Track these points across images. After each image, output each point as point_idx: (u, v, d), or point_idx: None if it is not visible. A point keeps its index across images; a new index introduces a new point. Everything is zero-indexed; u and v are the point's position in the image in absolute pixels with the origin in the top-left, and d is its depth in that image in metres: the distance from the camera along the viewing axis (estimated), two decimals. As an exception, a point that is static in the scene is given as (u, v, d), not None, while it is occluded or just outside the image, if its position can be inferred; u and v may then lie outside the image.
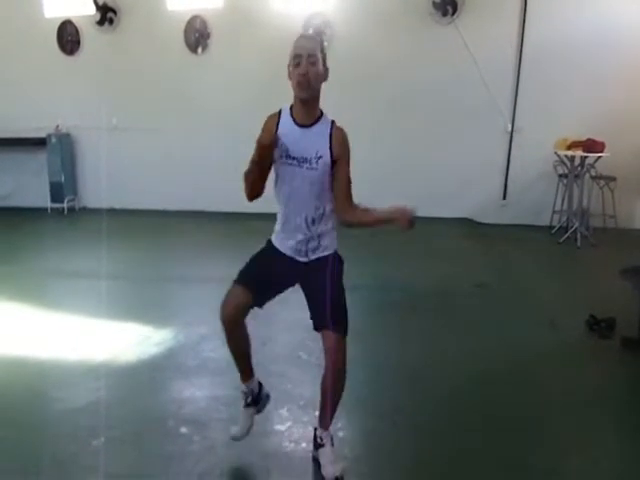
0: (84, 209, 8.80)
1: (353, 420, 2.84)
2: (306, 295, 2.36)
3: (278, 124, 2.28)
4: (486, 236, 7.05)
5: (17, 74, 8.54)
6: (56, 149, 8.36)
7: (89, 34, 8.39)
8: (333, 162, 2.25)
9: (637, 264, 4.04)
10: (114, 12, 8.23)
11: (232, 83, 7.78)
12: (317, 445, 2.43)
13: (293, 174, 2.25)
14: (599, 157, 6.46)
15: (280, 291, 2.43)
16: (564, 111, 7.11)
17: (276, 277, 2.37)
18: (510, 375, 3.41)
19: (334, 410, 2.38)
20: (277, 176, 2.33)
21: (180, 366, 3.46)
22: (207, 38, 8.03)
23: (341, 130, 2.30)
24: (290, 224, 2.34)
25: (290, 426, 2.77)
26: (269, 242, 2.45)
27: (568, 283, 5.28)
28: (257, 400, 2.58)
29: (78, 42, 8.46)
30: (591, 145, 6.40)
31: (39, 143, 8.39)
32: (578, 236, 6.46)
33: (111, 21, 8.27)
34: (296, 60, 2.19)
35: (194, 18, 8.00)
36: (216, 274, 5.32)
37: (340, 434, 2.69)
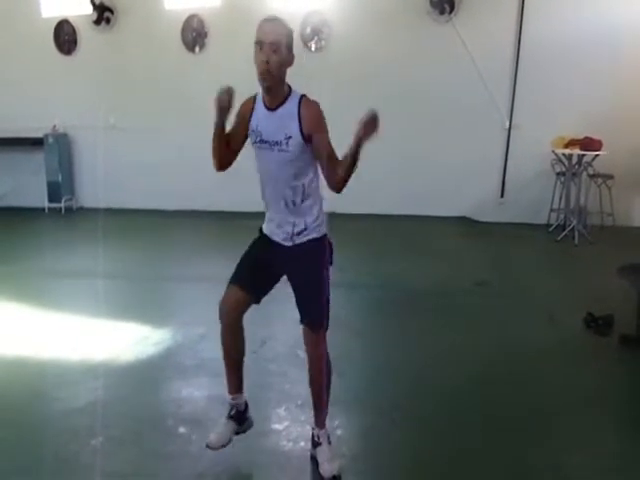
0: (81, 209, 8.79)
1: (351, 418, 2.84)
2: (292, 284, 2.36)
3: (253, 107, 2.28)
4: (484, 234, 7.06)
5: (14, 74, 8.52)
6: (53, 149, 8.35)
7: (86, 33, 8.38)
8: (307, 138, 2.17)
9: (635, 262, 4.05)
10: (111, 11, 8.21)
11: (229, 82, 7.71)
12: (314, 444, 2.44)
13: (267, 157, 2.24)
14: (596, 155, 6.46)
15: (274, 281, 2.41)
16: (562, 109, 7.12)
17: (267, 268, 2.36)
18: (509, 373, 3.41)
19: (324, 407, 2.39)
20: (256, 161, 2.33)
21: (179, 366, 3.46)
22: (204, 37, 8.03)
23: (310, 104, 2.20)
24: (272, 207, 2.34)
25: (288, 425, 2.77)
26: (260, 230, 2.44)
27: (566, 281, 5.29)
28: (241, 419, 2.51)
29: (75, 42, 8.45)
30: (588, 143, 6.40)
31: (36, 143, 8.38)
32: (576, 234, 6.47)
33: (108, 20, 8.25)
34: (257, 46, 2.14)
35: (191, 17, 7.99)
36: (214, 273, 5.32)
37: (338, 432, 2.70)
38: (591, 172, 6.84)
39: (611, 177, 6.89)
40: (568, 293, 4.87)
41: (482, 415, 2.91)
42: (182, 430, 2.73)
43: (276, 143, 2.19)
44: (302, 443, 2.60)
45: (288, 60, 2.18)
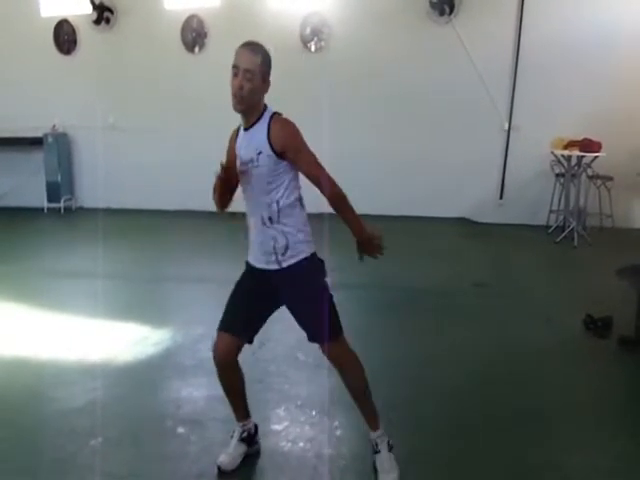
0: (81, 209, 8.79)
1: (350, 418, 2.83)
2: (289, 310, 2.32)
3: (237, 136, 2.30)
4: (483, 235, 7.06)
5: (13, 73, 8.53)
6: (53, 149, 8.35)
7: (86, 33, 8.39)
8: (280, 154, 2.15)
9: (634, 263, 4.05)
10: (111, 11, 8.22)
11: (229, 82, 7.75)
12: (374, 450, 2.39)
13: (244, 176, 2.23)
14: (596, 157, 6.47)
15: (267, 315, 2.39)
16: (561, 110, 7.13)
17: (256, 302, 2.33)
18: (508, 373, 3.41)
19: (370, 409, 2.38)
20: (240, 184, 2.32)
21: (178, 366, 3.46)
22: (204, 37, 8.03)
23: (280, 120, 2.19)
24: (252, 227, 2.30)
25: (287, 426, 2.77)
26: (246, 264, 2.39)
27: (565, 282, 5.29)
28: (251, 441, 2.52)
29: (75, 41, 8.46)
30: (588, 145, 6.41)
31: (36, 143, 8.38)
32: (575, 235, 6.47)
33: (108, 20, 8.26)
34: (234, 70, 2.13)
35: (191, 17, 8.00)
36: (213, 274, 5.35)
37: (338, 432, 2.71)
38: (590, 173, 6.85)
39: (610, 179, 6.90)
40: (567, 294, 4.87)
41: (481, 415, 2.91)
42: (181, 430, 2.72)
43: (250, 160, 2.19)
44: (301, 444, 2.60)
45: (262, 88, 2.17)
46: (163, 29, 8.07)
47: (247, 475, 2.49)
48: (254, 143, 2.18)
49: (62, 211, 8.47)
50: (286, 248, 2.22)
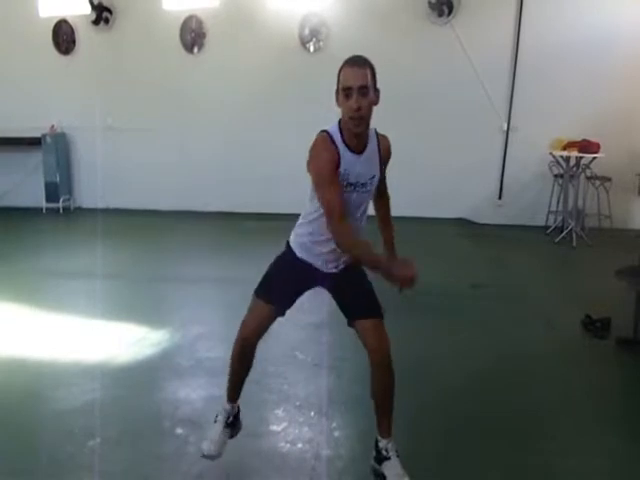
0: (79, 209, 8.78)
1: (349, 419, 2.84)
2: (339, 292, 2.30)
3: (338, 152, 2.07)
4: (482, 236, 7.07)
5: (12, 74, 8.52)
6: (51, 149, 8.34)
7: (84, 33, 8.38)
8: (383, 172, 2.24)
9: (632, 264, 4.06)
10: (109, 11, 8.21)
11: (228, 83, 7.76)
12: (381, 458, 2.29)
13: (347, 200, 2.11)
14: (594, 157, 6.48)
15: (300, 294, 2.36)
16: (560, 111, 7.14)
17: (297, 282, 2.30)
18: (506, 374, 3.41)
19: (392, 414, 2.29)
20: None
21: (176, 366, 3.45)
22: (203, 38, 8.03)
23: (385, 139, 2.28)
24: (329, 246, 2.19)
25: (286, 427, 2.76)
26: (290, 251, 2.32)
27: (564, 283, 5.30)
28: (234, 424, 2.50)
29: (74, 42, 8.45)
30: (586, 145, 6.42)
31: (34, 143, 8.37)
32: (573, 236, 6.48)
33: (107, 20, 8.25)
34: (346, 92, 2.02)
35: (190, 17, 7.99)
36: (212, 274, 5.34)
37: (336, 434, 2.70)
38: (589, 174, 6.85)
39: (609, 179, 6.91)
40: (566, 295, 4.88)
41: (479, 416, 2.91)
42: (179, 431, 2.72)
43: (361, 185, 2.14)
44: (300, 445, 2.60)
45: (376, 101, 2.10)
46: (162, 29, 8.06)
47: (245, 476, 2.48)
48: (370, 169, 2.16)
49: (61, 211, 8.46)
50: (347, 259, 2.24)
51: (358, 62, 2.09)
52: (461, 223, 7.63)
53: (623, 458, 2.57)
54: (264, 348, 3.60)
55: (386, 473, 2.27)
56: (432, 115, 7.49)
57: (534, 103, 7.23)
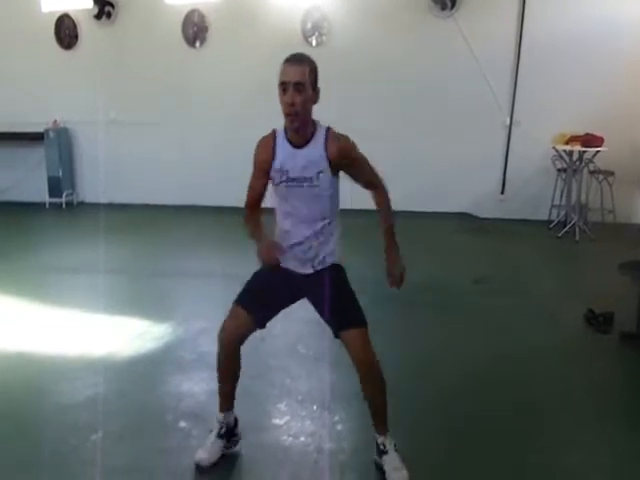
0: (82, 204, 8.79)
1: (351, 413, 2.84)
2: (317, 302, 2.33)
3: (275, 148, 2.22)
4: (484, 231, 7.05)
5: (14, 69, 8.50)
6: (54, 144, 8.33)
7: (87, 28, 8.36)
8: (338, 170, 2.23)
9: (635, 259, 4.05)
10: (112, 6, 8.19)
11: (230, 77, 7.76)
12: (380, 452, 2.36)
13: (294, 194, 2.22)
14: (597, 152, 6.45)
15: (282, 308, 2.39)
16: (563, 105, 7.10)
17: (278, 294, 2.33)
18: (508, 369, 3.41)
19: (385, 411, 2.35)
20: (276, 195, 2.30)
21: (179, 360, 3.47)
22: (205, 32, 8.00)
23: (336, 137, 2.22)
24: (291, 240, 2.29)
25: (288, 420, 2.77)
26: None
27: (567, 277, 5.29)
28: (230, 435, 2.49)
29: (76, 36, 8.42)
30: (589, 140, 6.40)
31: (37, 138, 8.36)
32: (577, 231, 6.46)
33: (109, 15, 8.23)
34: (282, 87, 2.10)
35: (192, 12, 7.96)
36: (215, 269, 5.35)
37: (338, 427, 2.71)
38: (592, 168, 6.83)
39: (612, 173, 6.88)
40: (569, 290, 4.87)
41: (480, 412, 2.91)
42: (182, 425, 2.73)
43: (305, 179, 2.19)
44: (302, 438, 2.61)
45: (313, 98, 2.16)
46: (164, 23, 8.04)
47: (248, 469, 2.50)
48: (313, 163, 2.18)
49: (63, 206, 8.46)
50: (322, 259, 2.32)
51: (297, 59, 2.13)
52: (463, 217, 7.61)
53: (627, 453, 2.57)
54: (267, 343, 3.63)
55: (385, 466, 2.32)
56: (434, 109, 7.46)
57: (537, 97, 7.19)
